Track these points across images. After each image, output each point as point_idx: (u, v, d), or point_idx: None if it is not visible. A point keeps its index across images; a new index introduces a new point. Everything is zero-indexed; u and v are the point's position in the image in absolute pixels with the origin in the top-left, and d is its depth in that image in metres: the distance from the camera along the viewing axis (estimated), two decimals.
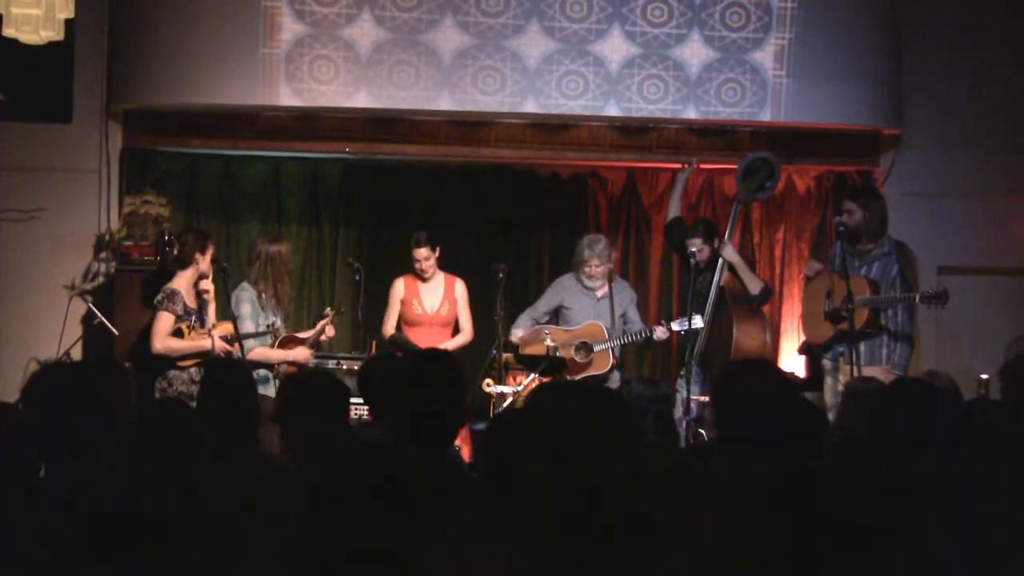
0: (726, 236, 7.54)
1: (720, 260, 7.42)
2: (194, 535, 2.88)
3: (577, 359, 7.45)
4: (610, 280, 7.64)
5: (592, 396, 3.43)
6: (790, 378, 3.64)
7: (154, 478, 3.01)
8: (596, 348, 7.46)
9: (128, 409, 3.22)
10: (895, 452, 3.64)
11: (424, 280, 7.62)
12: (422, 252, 7.55)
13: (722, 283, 7.43)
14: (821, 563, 2.94)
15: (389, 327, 7.63)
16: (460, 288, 7.70)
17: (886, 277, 7.04)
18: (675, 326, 7.43)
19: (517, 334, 7.60)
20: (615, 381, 7.50)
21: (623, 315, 7.60)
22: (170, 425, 3.32)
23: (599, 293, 7.60)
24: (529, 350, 7.54)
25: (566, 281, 7.74)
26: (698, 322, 7.33)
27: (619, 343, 7.47)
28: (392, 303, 7.66)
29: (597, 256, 7.55)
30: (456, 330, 7.72)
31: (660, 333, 7.42)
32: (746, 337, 7.30)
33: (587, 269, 7.56)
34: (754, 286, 7.45)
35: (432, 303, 7.62)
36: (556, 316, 7.71)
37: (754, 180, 7.61)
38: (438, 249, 7.61)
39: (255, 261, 7.16)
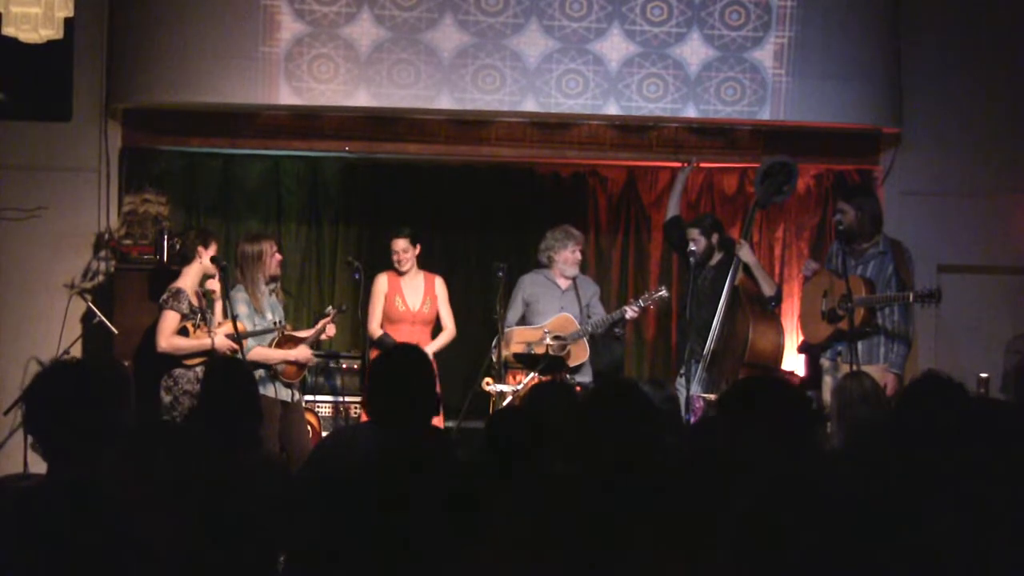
0: (742, 237, 7.56)
1: (735, 260, 7.43)
2: (194, 534, 2.88)
3: (552, 353, 7.47)
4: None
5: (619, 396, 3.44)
6: (797, 390, 3.62)
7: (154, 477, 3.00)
8: (570, 338, 7.48)
9: (127, 408, 3.21)
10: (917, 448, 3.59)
11: (400, 273, 7.60)
12: (401, 243, 7.56)
13: (737, 283, 7.43)
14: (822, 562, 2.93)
15: (375, 325, 7.59)
16: (440, 286, 7.69)
17: (881, 276, 7.05)
18: (642, 301, 7.49)
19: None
20: (587, 371, 7.53)
21: (588, 306, 7.63)
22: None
23: (563, 285, 7.65)
24: (512, 349, 7.53)
25: (527, 279, 7.78)
26: (663, 292, 7.48)
27: (590, 330, 7.50)
28: (376, 298, 7.61)
29: (577, 242, 7.62)
30: (437, 328, 7.70)
31: (631, 312, 7.47)
32: (761, 339, 7.29)
33: (568, 255, 7.62)
34: (768, 287, 7.46)
35: (414, 301, 7.60)
36: (524, 315, 7.70)
37: (772, 183, 7.63)
38: (418, 246, 7.62)
39: (237, 261, 7.18)
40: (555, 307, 7.59)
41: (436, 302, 7.64)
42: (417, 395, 4.19)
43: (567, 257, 7.65)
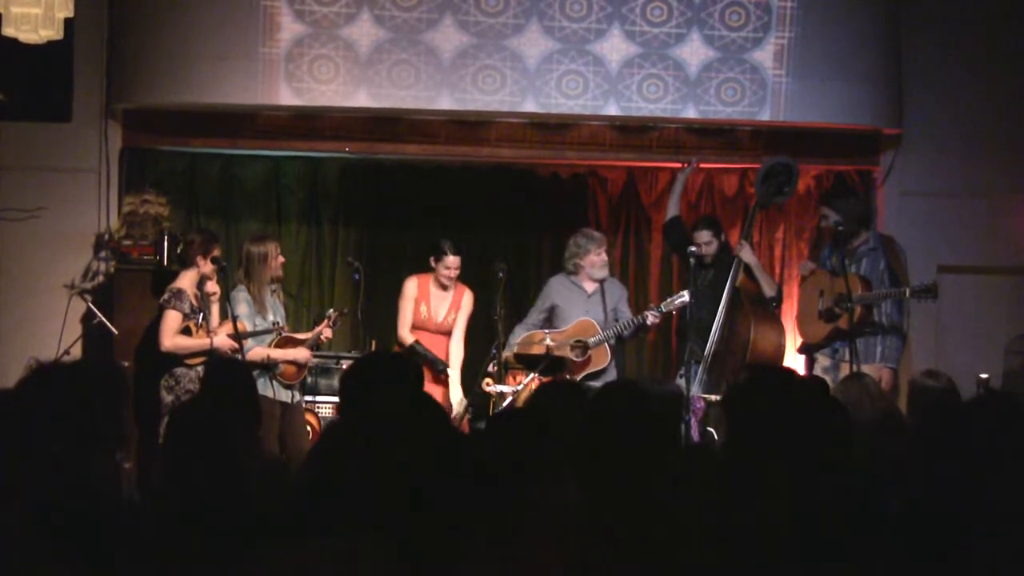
0: (743, 237, 7.57)
1: (735, 260, 7.44)
2: (192, 533, 2.88)
3: (574, 357, 7.45)
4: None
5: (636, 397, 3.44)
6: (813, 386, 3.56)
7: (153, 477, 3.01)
8: (591, 343, 7.45)
9: (124, 408, 3.21)
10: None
11: (445, 288, 7.56)
12: (456, 260, 7.46)
13: (737, 284, 7.43)
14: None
15: (405, 331, 7.54)
16: (467, 299, 7.64)
17: (875, 272, 7.12)
18: (664, 307, 7.45)
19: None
20: (611, 376, 7.51)
21: (614, 310, 7.61)
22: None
23: (589, 289, 7.63)
24: (525, 350, 7.52)
25: (554, 282, 7.75)
26: (684, 296, 7.37)
27: (613, 335, 7.48)
28: (406, 303, 7.56)
29: (599, 244, 7.60)
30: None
31: (652, 319, 7.43)
32: (762, 339, 7.30)
33: (594, 259, 7.57)
34: (770, 288, 7.48)
35: (439, 311, 7.58)
36: (549, 318, 7.70)
37: (773, 184, 7.64)
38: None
39: (241, 264, 7.18)
40: (580, 312, 7.55)
41: (459, 313, 7.61)
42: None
43: (593, 260, 7.60)
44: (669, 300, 7.49)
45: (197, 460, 3.09)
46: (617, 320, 7.55)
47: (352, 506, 2.39)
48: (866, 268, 7.09)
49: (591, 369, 7.43)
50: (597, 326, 7.47)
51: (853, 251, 7.14)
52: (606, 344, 7.47)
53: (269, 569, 2.34)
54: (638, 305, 8.01)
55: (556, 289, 7.69)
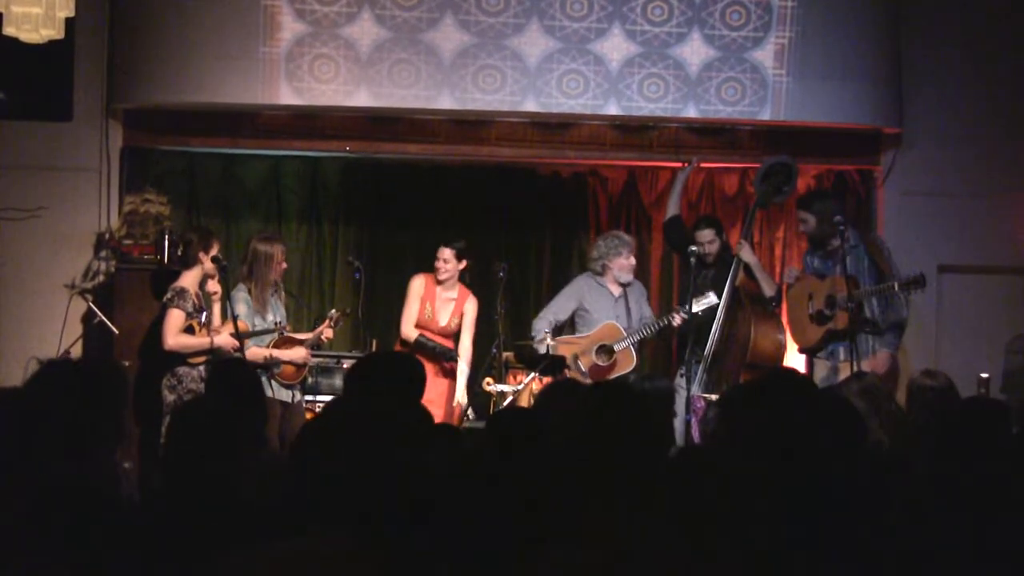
0: (742, 237, 7.57)
1: (735, 260, 7.43)
2: (192, 533, 2.88)
3: (599, 363, 7.40)
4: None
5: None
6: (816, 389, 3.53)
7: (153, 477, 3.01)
8: (617, 347, 7.41)
9: (124, 408, 3.22)
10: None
11: (438, 281, 7.56)
12: (445, 252, 7.47)
13: (737, 283, 7.42)
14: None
15: (411, 328, 7.52)
16: (471, 306, 7.60)
17: (859, 269, 7.12)
18: (690, 309, 7.35)
19: (547, 339, 7.43)
20: None
21: (640, 315, 7.58)
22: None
23: (616, 292, 7.60)
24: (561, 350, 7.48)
25: (583, 282, 7.70)
26: (712, 298, 7.30)
27: (638, 338, 7.46)
28: (412, 300, 7.54)
29: (630, 248, 7.57)
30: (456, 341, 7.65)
31: (678, 320, 7.38)
32: (763, 339, 7.30)
33: (623, 262, 7.53)
34: (769, 287, 7.47)
35: (443, 314, 7.54)
36: (572, 319, 7.66)
37: (772, 183, 7.65)
38: (464, 262, 7.55)
39: (246, 260, 7.18)
40: (607, 316, 7.50)
41: (462, 319, 7.59)
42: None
43: (622, 264, 7.56)
44: (696, 301, 7.33)
45: (199, 460, 3.09)
46: (641, 320, 7.53)
47: (350, 506, 2.39)
48: (850, 266, 7.10)
49: (617, 373, 7.37)
50: (621, 329, 7.43)
51: (835, 251, 7.14)
52: (631, 347, 7.44)
53: (269, 569, 2.34)
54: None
55: (584, 290, 7.63)
